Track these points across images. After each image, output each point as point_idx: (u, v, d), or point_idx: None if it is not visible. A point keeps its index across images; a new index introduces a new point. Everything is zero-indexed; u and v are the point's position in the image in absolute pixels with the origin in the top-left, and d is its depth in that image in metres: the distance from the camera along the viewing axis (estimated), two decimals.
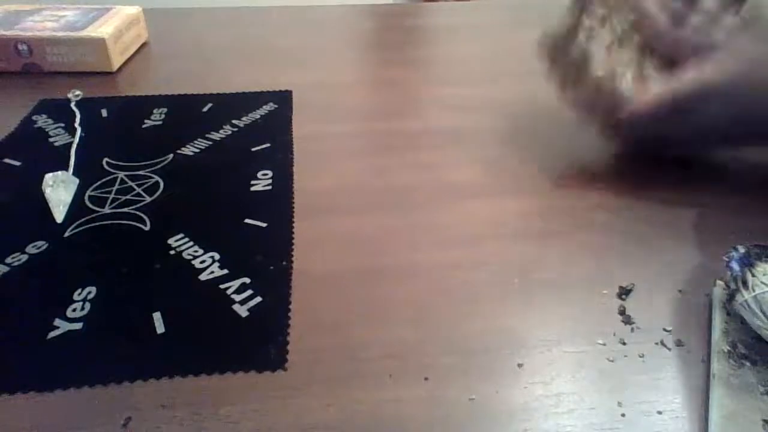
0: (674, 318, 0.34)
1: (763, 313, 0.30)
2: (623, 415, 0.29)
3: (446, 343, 0.33)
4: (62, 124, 0.55)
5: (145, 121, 0.56)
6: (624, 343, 0.33)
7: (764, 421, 0.27)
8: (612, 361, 0.32)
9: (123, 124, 0.56)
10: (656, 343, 0.33)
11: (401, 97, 0.62)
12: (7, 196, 0.45)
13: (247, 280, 0.37)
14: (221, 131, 0.54)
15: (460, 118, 0.57)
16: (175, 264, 0.38)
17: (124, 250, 0.39)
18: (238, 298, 0.35)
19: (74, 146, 0.51)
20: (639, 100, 0.42)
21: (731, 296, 0.32)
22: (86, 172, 0.47)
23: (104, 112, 0.58)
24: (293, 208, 0.44)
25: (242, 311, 0.34)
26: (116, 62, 0.67)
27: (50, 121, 0.56)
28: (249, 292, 0.36)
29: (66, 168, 0.47)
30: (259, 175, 0.48)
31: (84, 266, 0.38)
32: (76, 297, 0.35)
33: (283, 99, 0.60)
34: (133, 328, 0.33)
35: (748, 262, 0.32)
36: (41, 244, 0.40)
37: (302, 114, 0.58)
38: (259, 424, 0.28)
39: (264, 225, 0.42)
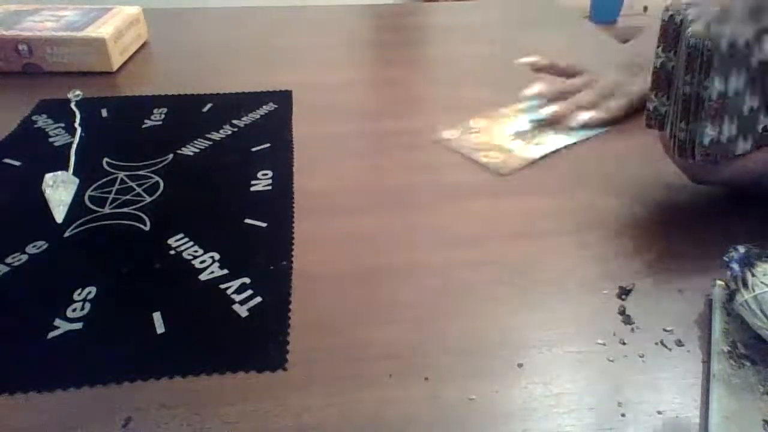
0: (674, 318, 0.34)
1: (763, 313, 0.30)
2: (623, 415, 0.29)
3: (446, 343, 0.33)
4: (62, 124, 0.55)
5: (145, 121, 0.56)
6: (624, 343, 0.33)
7: (764, 421, 0.27)
8: (612, 361, 0.32)
9: (123, 124, 0.56)
10: (656, 343, 0.33)
11: (401, 97, 0.62)
12: (7, 196, 0.45)
13: (247, 280, 0.37)
14: (221, 131, 0.54)
15: (459, 117, 0.57)
16: (175, 264, 0.38)
17: (124, 250, 0.39)
18: (238, 298, 0.35)
19: (74, 146, 0.51)
20: (756, 159, 0.39)
21: (731, 296, 0.32)
22: (86, 172, 0.47)
23: (104, 112, 0.58)
24: (293, 208, 0.44)
25: (242, 311, 0.34)
26: (116, 62, 0.67)
27: (50, 121, 0.56)
28: (249, 292, 0.36)
29: (66, 168, 0.47)
30: (259, 175, 0.48)
31: (84, 266, 0.38)
32: (76, 297, 0.35)
33: (283, 99, 0.60)
34: (133, 328, 0.33)
35: (748, 262, 0.32)
36: (41, 244, 0.40)
37: (302, 114, 0.58)
38: (258, 424, 0.28)
39: (264, 225, 0.42)
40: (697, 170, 0.42)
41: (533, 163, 0.49)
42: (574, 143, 0.51)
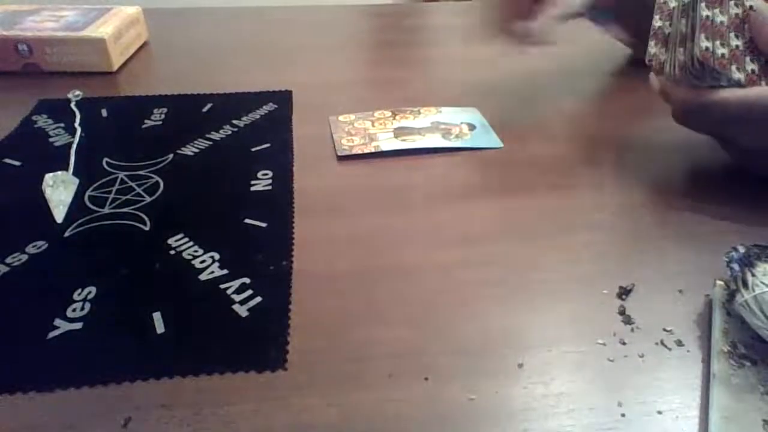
0: (674, 318, 0.34)
1: (763, 313, 0.30)
2: (623, 415, 0.29)
3: (446, 343, 0.33)
4: (62, 124, 0.55)
5: (145, 121, 0.56)
6: (624, 343, 0.33)
7: (764, 421, 0.27)
8: (612, 361, 0.32)
9: (123, 124, 0.56)
10: (656, 343, 0.33)
11: (401, 97, 0.62)
12: (7, 196, 0.45)
13: (247, 280, 0.37)
14: (221, 131, 0.54)
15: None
16: (175, 264, 0.38)
17: (124, 250, 0.39)
18: (238, 298, 0.35)
19: (74, 146, 0.51)
20: (750, 90, 0.40)
21: (731, 296, 0.32)
22: (86, 172, 0.47)
23: (104, 112, 0.58)
24: (293, 208, 0.44)
25: (242, 311, 0.34)
26: (116, 62, 0.67)
27: (50, 121, 0.56)
28: (249, 292, 0.36)
29: (66, 168, 0.47)
30: (259, 175, 0.48)
31: (84, 266, 0.38)
32: (76, 297, 0.35)
33: (283, 99, 0.60)
34: (133, 328, 0.33)
35: (748, 262, 0.32)
36: (41, 244, 0.40)
37: (302, 114, 0.58)
38: (258, 424, 0.28)
39: (264, 225, 0.42)
40: (690, 101, 0.42)
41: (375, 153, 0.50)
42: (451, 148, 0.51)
